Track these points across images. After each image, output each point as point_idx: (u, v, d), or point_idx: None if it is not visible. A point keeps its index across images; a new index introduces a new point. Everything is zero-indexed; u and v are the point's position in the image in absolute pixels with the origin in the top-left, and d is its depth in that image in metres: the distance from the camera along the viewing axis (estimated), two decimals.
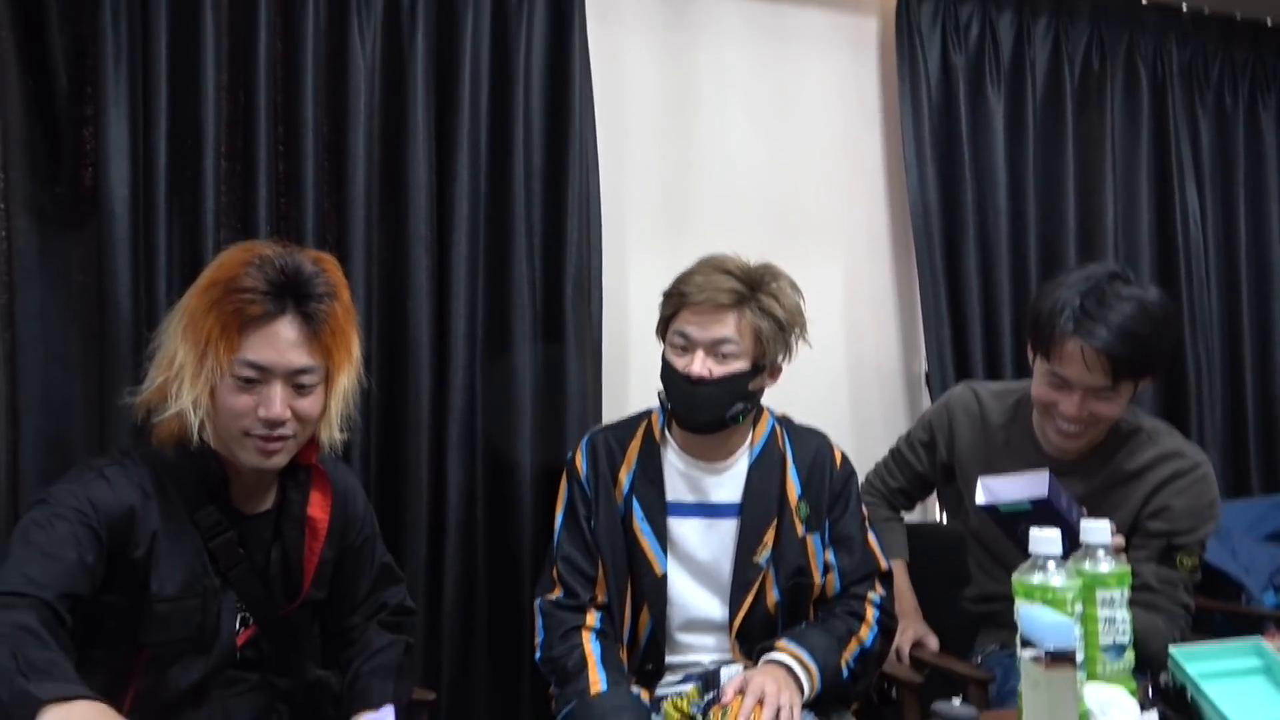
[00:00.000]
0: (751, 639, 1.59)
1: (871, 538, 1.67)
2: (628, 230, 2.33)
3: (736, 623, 1.58)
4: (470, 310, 2.05)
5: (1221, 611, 2.33)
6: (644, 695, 1.56)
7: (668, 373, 1.58)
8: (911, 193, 2.52)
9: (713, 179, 2.43)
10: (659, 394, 1.63)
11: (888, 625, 1.63)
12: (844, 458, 1.70)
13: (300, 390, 1.26)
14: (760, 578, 1.58)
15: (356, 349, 1.32)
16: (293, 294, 1.24)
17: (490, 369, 2.08)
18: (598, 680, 1.48)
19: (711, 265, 1.56)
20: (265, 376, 1.23)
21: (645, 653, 1.60)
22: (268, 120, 1.88)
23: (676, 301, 1.57)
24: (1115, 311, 1.54)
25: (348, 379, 1.31)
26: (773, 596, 1.59)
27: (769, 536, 1.60)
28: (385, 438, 2.00)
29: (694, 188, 2.42)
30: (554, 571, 1.62)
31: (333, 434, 1.32)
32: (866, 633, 1.59)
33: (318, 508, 1.38)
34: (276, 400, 1.23)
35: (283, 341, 1.23)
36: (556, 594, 1.60)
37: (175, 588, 1.24)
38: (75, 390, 1.76)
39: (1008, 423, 1.79)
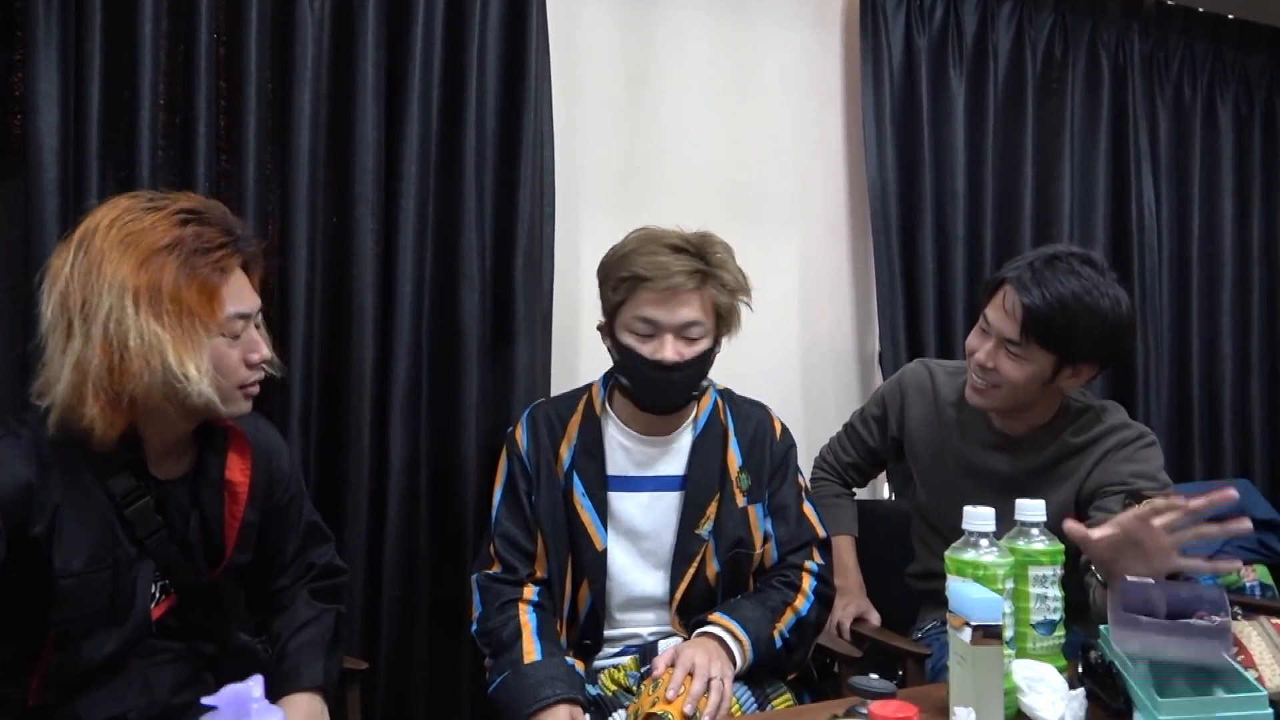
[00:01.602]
0: (691, 611, 1.58)
1: (808, 507, 1.67)
2: (581, 202, 2.30)
3: (677, 595, 1.58)
4: (417, 276, 2.00)
5: None
6: (579, 666, 1.54)
7: (630, 359, 1.54)
8: (870, 174, 2.51)
9: (670, 153, 2.40)
10: (612, 375, 1.61)
11: (825, 593, 1.62)
12: (784, 429, 1.70)
13: (258, 330, 1.28)
14: (701, 549, 1.58)
15: None
16: (236, 241, 1.24)
17: (436, 338, 2.04)
18: (532, 650, 1.47)
19: (654, 241, 1.52)
20: (246, 324, 1.25)
21: (584, 627, 1.59)
22: (208, 73, 1.82)
23: (629, 285, 1.52)
24: (1057, 281, 1.55)
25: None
26: (713, 568, 1.59)
27: (711, 509, 1.60)
28: (327, 404, 1.95)
29: (650, 161, 2.39)
30: (491, 548, 1.61)
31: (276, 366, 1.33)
32: (802, 602, 1.59)
33: (236, 470, 1.33)
34: (263, 342, 1.27)
35: (246, 287, 1.26)
36: (494, 569, 1.59)
37: (81, 561, 1.19)
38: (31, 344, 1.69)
39: (959, 400, 1.79)
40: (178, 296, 1.15)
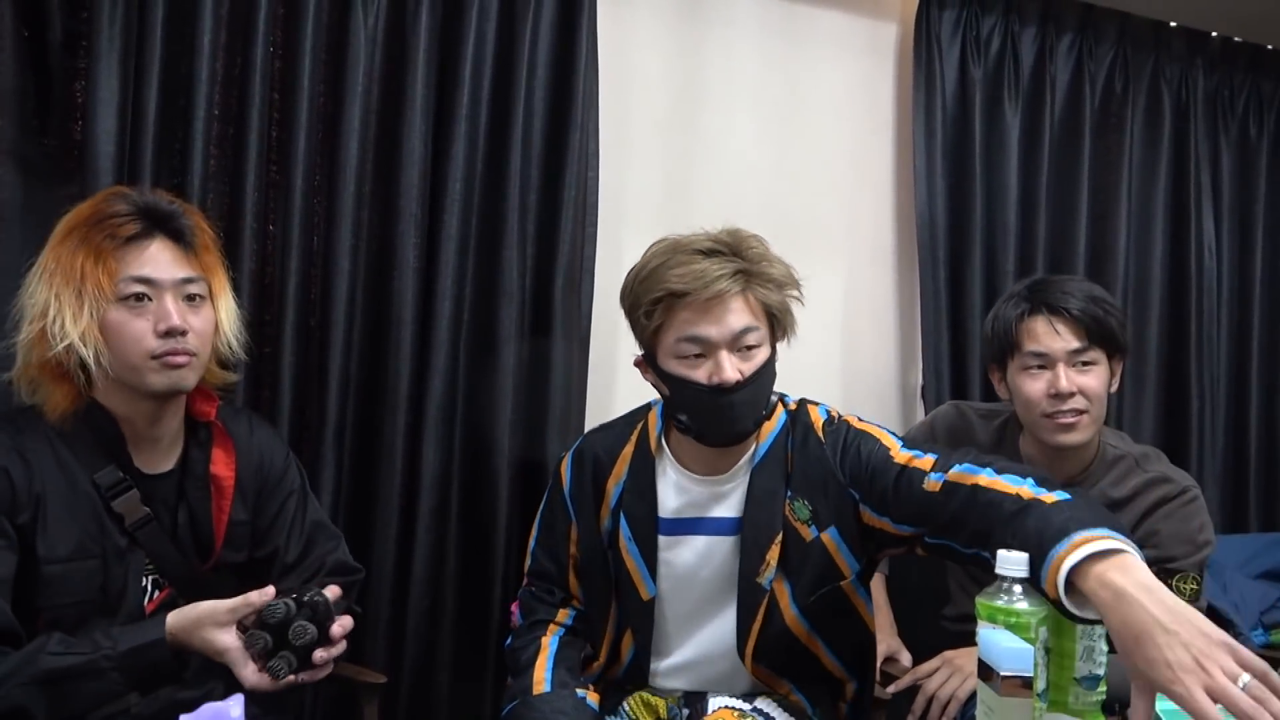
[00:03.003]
0: (773, 661, 1.42)
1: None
2: (624, 224, 2.29)
3: (749, 649, 1.41)
4: (457, 292, 2.01)
5: None
6: (592, 699, 1.43)
7: (684, 390, 1.34)
8: (919, 204, 2.48)
9: (715, 177, 2.39)
10: (670, 417, 1.43)
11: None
12: (825, 421, 1.44)
13: (190, 303, 1.28)
14: (766, 599, 1.38)
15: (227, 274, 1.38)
16: (156, 217, 1.27)
17: (474, 354, 2.04)
18: (542, 680, 1.41)
19: (681, 250, 1.34)
20: (155, 291, 1.25)
21: (626, 675, 1.49)
22: (263, 84, 1.85)
23: (665, 306, 1.32)
24: (1065, 286, 1.62)
25: (229, 298, 1.34)
26: (791, 614, 1.39)
27: (772, 554, 1.38)
28: (362, 416, 1.96)
29: (695, 184, 2.37)
30: (527, 568, 1.58)
31: (233, 352, 1.35)
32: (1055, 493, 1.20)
33: (221, 465, 1.35)
34: (173, 310, 1.25)
35: (161, 258, 1.26)
36: (534, 587, 1.56)
37: (67, 549, 1.22)
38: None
39: (994, 444, 1.74)
40: (71, 265, 1.21)
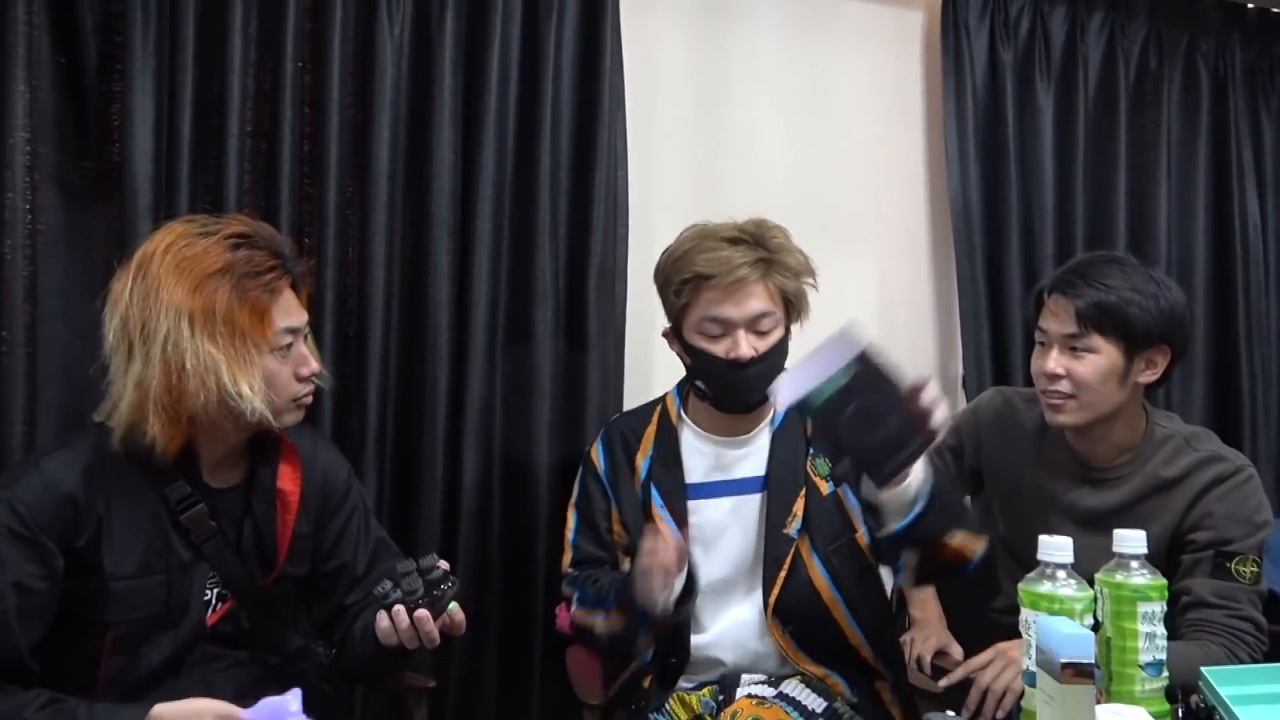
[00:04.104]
0: (793, 618, 1.52)
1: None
2: (655, 223, 2.28)
3: (771, 600, 1.51)
4: (492, 297, 2.02)
5: (1274, 634, 2.20)
6: (646, 683, 1.52)
7: (704, 361, 1.51)
8: (953, 192, 2.44)
9: (744, 171, 2.37)
10: (686, 381, 1.60)
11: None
12: None
13: (306, 342, 1.33)
14: (792, 549, 1.52)
15: None
16: (285, 262, 1.29)
17: (510, 358, 2.05)
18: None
19: (710, 237, 1.51)
20: (295, 339, 1.30)
21: (671, 643, 1.54)
22: (293, 99, 1.87)
23: (693, 286, 1.50)
24: (1096, 269, 1.56)
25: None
26: (815, 568, 1.52)
27: (798, 506, 1.53)
28: (401, 424, 1.98)
29: (724, 181, 2.36)
30: (567, 559, 1.60)
31: (327, 379, 1.40)
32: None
33: (287, 480, 1.37)
34: (313, 355, 1.32)
35: (294, 304, 1.31)
36: (578, 570, 1.59)
37: (132, 565, 1.24)
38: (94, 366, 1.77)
39: (1039, 429, 1.71)
40: (230, 318, 1.21)
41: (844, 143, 2.47)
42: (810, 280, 1.55)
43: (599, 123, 2.09)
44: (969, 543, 1.40)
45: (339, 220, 1.92)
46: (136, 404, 1.21)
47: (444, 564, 1.26)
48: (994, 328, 2.46)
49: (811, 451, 1.56)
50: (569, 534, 1.62)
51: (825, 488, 1.55)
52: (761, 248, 1.49)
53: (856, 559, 1.55)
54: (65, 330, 1.74)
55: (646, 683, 1.54)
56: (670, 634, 1.52)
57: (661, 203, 2.30)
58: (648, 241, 2.26)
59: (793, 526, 1.52)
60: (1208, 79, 2.68)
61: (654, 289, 2.20)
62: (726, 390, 1.52)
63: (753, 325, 1.49)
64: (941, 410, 1.25)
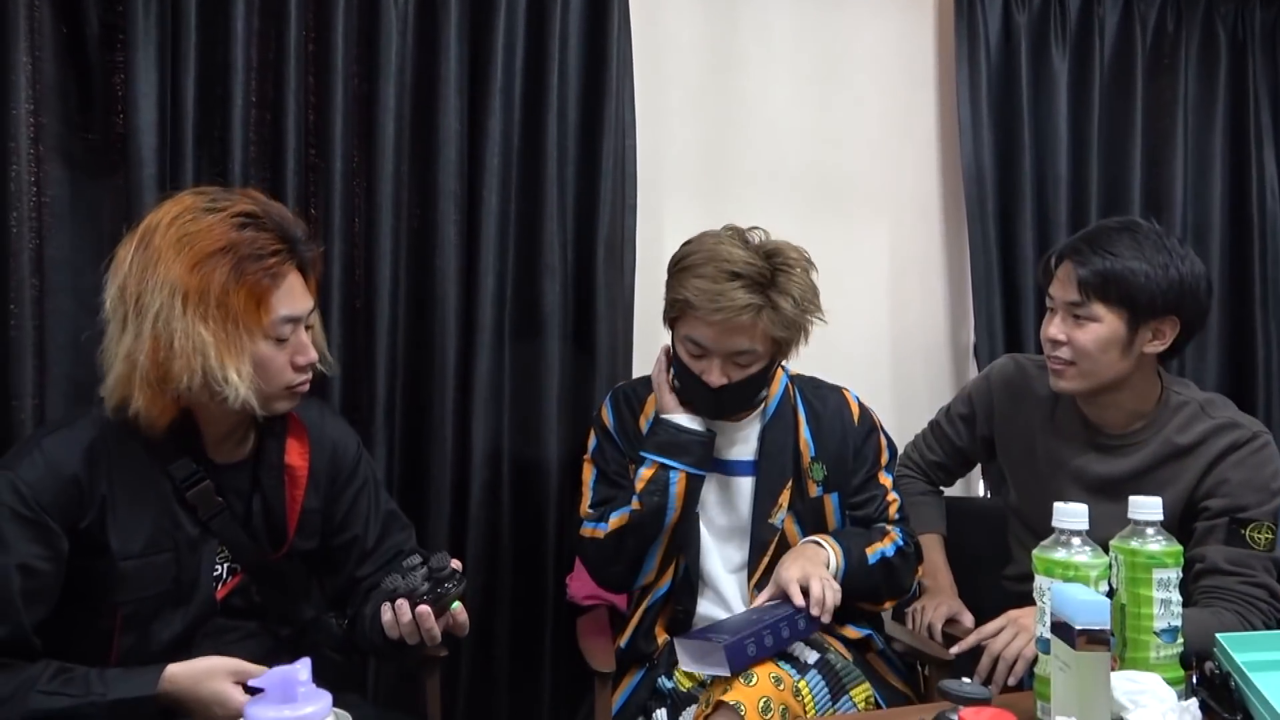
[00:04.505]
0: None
1: (894, 495, 1.66)
2: (664, 191, 2.27)
3: (756, 575, 1.57)
4: (500, 268, 2.01)
5: None
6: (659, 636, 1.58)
7: (682, 369, 1.54)
8: (965, 158, 2.41)
9: (754, 140, 2.35)
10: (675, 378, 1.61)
11: (909, 550, 1.61)
12: (863, 412, 1.66)
13: (308, 330, 1.29)
14: (776, 538, 1.57)
15: None
16: (294, 246, 1.25)
17: (518, 328, 2.04)
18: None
19: (715, 261, 1.46)
20: (295, 327, 1.25)
21: (679, 594, 1.58)
22: (298, 69, 1.86)
23: (682, 305, 1.49)
24: (1106, 237, 1.54)
25: (318, 314, 1.34)
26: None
27: (784, 497, 1.58)
28: (411, 396, 1.97)
29: (734, 149, 2.33)
30: (586, 503, 1.63)
31: (329, 367, 1.35)
32: (889, 542, 1.58)
33: (295, 455, 1.36)
34: (310, 345, 1.28)
35: (299, 290, 1.27)
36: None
37: (140, 544, 1.23)
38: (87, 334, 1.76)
39: (1052, 396, 1.69)
40: (225, 301, 1.17)
41: (856, 110, 2.44)
42: (811, 318, 1.52)
43: (607, 91, 2.06)
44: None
45: (345, 191, 1.90)
46: (123, 376, 1.19)
47: (455, 563, 1.25)
48: (1006, 295, 2.43)
49: (815, 454, 1.60)
50: (587, 483, 1.65)
51: (814, 490, 1.60)
52: (761, 290, 1.45)
53: None
54: (73, 303, 1.74)
55: (659, 638, 1.57)
56: (683, 581, 1.57)
57: (671, 173, 2.28)
58: (656, 212, 2.25)
59: (777, 516, 1.58)
60: (1226, 41, 2.63)
61: (662, 261, 2.20)
62: (698, 401, 1.55)
63: (731, 357, 1.50)
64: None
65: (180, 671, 1.14)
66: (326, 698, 0.77)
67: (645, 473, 1.54)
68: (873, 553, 1.56)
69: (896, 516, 1.64)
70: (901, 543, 1.60)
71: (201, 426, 1.28)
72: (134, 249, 1.20)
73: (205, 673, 1.14)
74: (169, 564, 1.25)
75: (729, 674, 1.31)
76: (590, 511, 1.62)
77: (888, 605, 1.63)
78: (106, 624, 1.23)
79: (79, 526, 1.21)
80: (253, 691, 0.78)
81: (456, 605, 1.25)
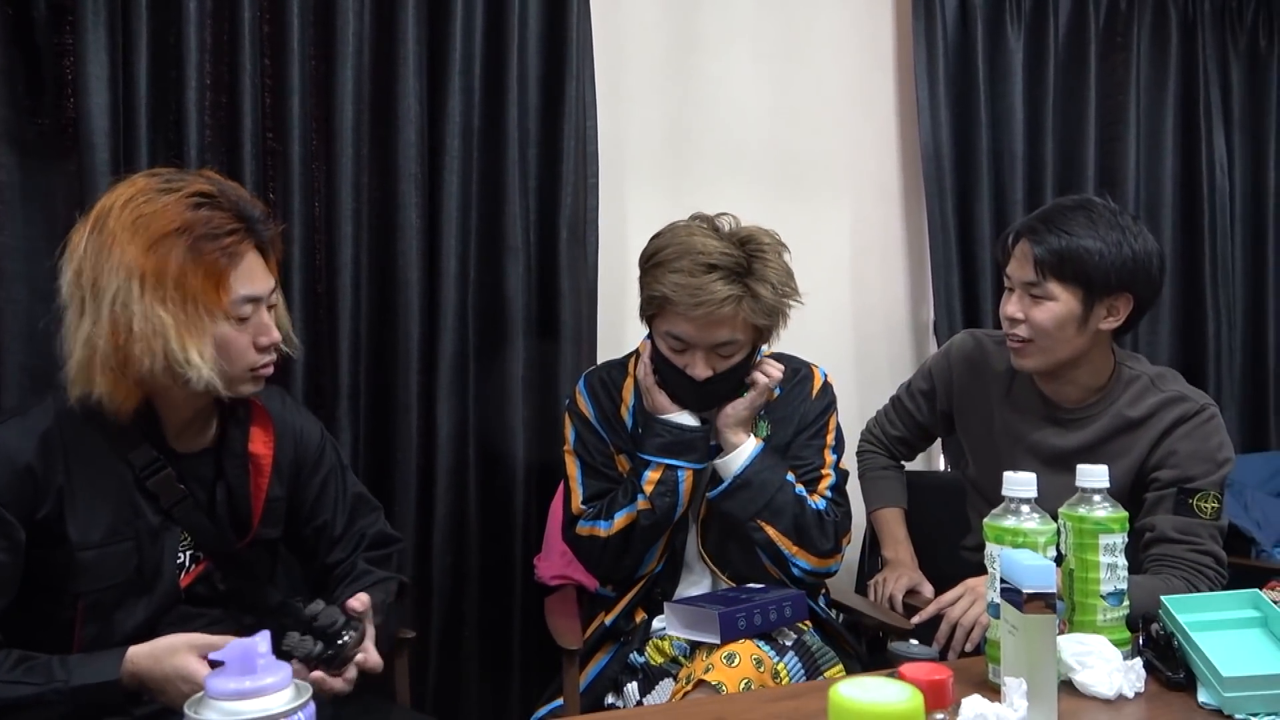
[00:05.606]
0: (732, 565, 1.60)
1: (829, 471, 1.65)
2: (627, 172, 2.27)
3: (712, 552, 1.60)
4: (461, 250, 2.01)
5: (1233, 566, 2.27)
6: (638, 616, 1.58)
7: (666, 366, 1.53)
8: (923, 137, 2.44)
9: (716, 120, 2.36)
10: (656, 370, 1.58)
11: (828, 519, 1.58)
12: (824, 387, 1.66)
13: (270, 311, 1.27)
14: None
15: None
16: (252, 226, 1.23)
17: (481, 310, 2.04)
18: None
19: (690, 254, 1.44)
20: (255, 306, 1.24)
21: (661, 579, 1.59)
22: (253, 51, 1.83)
23: (660, 302, 1.47)
24: (1062, 217, 1.57)
25: (281, 295, 1.32)
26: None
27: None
28: (375, 379, 1.97)
29: (696, 129, 2.35)
30: (579, 500, 1.61)
31: (294, 349, 1.33)
32: (816, 499, 1.59)
33: (259, 443, 1.35)
34: (272, 326, 1.26)
35: (257, 271, 1.25)
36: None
37: (99, 533, 1.21)
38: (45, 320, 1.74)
39: (1010, 371, 1.73)
40: (183, 282, 1.15)
41: (816, 89, 2.46)
42: (790, 301, 1.51)
43: (567, 72, 2.06)
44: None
45: (304, 174, 1.89)
46: (85, 362, 1.16)
47: (354, 602, 1.22)
48: (964, 272, 2.48)
49: (763, 413, 1.60)
50: (575, 477, 1.63)
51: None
52: (739, 279, 1.44)
53: None
54: (27, 291, 1.72)
55: (638, 618, 1.58)
56: (669, 564, 1.59)
57: (633, 152, 2.29)
58: (619, 192, 2.26)
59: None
60: (1177, 20, 2.68)
61: (625, 241, 2.22)
62: (681, 395, 1.54)
63: (714, 349, 1.49)
64: None
65: (141, 651, 1.13)
66: (286, 669, 0.78)
67: (652, 475, 1.53)
68: (797, 486, 1.56)
69: (827, 493, 1.61)
70: (824, 509, 1.58)
71: (162, 414, 1.26)
72: (88, 233, 1.18)
73: (167, 649, 1.13)
74: (130, 553, 1.23)
75: (719, 642, 1.31)
76: (584, 508, 1.59)
77: (795, 552, 1.55)
78: (68, 614, 1.21)
79: (35, 517, 1.19)
80: (215, 665, 0.78)
81: (360, 655, 1.22)
